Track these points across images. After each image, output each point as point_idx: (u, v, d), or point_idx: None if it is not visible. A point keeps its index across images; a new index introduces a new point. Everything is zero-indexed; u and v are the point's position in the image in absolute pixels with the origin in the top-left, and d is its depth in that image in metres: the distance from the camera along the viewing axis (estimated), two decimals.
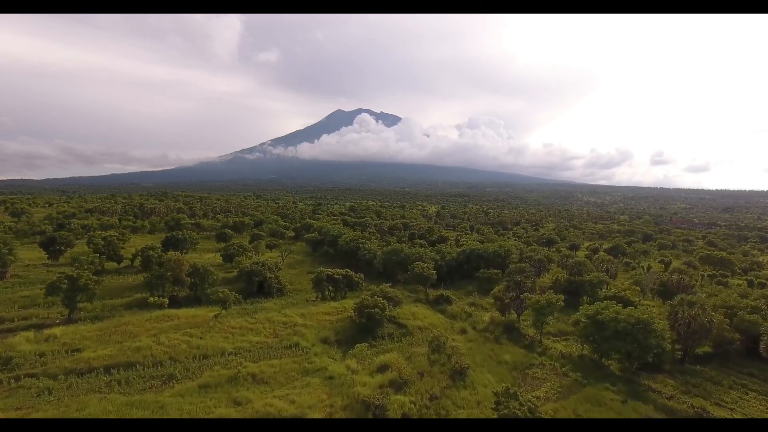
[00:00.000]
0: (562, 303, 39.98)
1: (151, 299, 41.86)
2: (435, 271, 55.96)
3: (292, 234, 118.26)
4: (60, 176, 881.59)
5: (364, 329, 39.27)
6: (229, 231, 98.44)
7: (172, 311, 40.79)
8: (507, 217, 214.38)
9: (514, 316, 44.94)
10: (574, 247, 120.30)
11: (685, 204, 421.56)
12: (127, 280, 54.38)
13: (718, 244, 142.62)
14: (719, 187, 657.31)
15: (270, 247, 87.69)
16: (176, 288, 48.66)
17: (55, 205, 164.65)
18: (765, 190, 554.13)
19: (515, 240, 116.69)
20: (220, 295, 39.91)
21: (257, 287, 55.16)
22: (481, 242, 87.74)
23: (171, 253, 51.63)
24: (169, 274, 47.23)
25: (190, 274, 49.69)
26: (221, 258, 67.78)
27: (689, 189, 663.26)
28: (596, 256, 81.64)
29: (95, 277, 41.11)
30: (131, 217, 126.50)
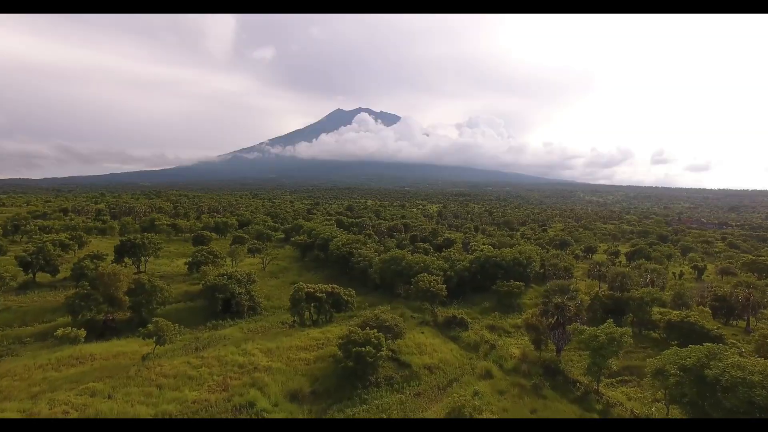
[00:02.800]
0: (631, 340, 28.84)
1: (60, 332, 30.62)
2: (444, 285, 44.89)
3: (282, 236, 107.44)
4: (59, 175, 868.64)
5: (351, 374, 28.21)
6: (208, 233, 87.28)
7: (88, 348, 29.71)
8: (512, 216, 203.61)
9: (551, 348, 34.04)
10: (589, 250, 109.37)
11: (689, 203, 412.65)
12: (57, 297, 43.18)
13: (741, 246, 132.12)
14: (720, 187, 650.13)
15: (253, 251, 76.57)
16: (112, 310, 37.61)
17: (31, 205, 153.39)
18: None
19: (524, 241, 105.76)
20: (150, 327, 28.64)
21: (222, 305, 44.17)
22: (494, 246, 76.60)
23: (106, 265, 40.48)
24: (100, 292, 36.13)
25: (132, 291, 38.64)
26: (186, 267, 56.70)
27: (691, 188, 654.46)
28: (636, 262, 70.49)
29: None
30: (106, 217, 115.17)
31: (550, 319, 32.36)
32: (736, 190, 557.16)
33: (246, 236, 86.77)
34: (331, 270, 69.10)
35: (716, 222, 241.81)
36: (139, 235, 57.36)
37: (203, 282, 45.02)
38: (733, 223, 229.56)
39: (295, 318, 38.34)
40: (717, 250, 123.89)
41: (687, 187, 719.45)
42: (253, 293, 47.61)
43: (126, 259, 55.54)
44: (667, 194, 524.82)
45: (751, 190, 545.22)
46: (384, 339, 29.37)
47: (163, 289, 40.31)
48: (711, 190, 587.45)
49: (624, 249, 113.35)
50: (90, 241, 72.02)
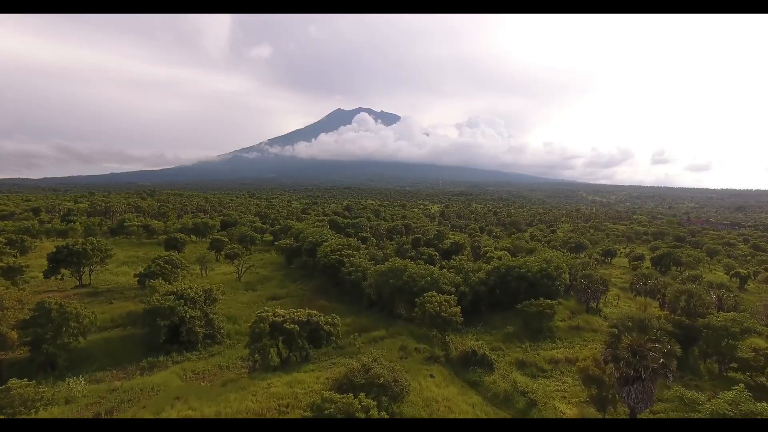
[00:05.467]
0: None
1: None
2: (459, 308, 34.28)
3: (270, 238, 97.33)
4: (59, 175, 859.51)
5: None
6: (183, 236, 76.75)
7: None
8: (518, 216, 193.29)
9: (621, 409, 23.53)
10: (608, 254, 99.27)
11: (694, 203, 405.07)
12: None
13: (766, 249, 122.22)
14: (720, 186, 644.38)
15: (231, 257, 66.12)
16: None
17: (2, 204, 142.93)
18: None
19: (536, 243, 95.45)
20: None
21: (169, 334, 33.60)
22: (510, 252, 66.06)
23: None
24: None
25: (33, 320, 28.09)
26: (137, 280, 46.00)
27: (694, 188, 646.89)
28: (687, 273, 59.79)
29: None
30: (77, 217, 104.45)
31: (623, 370, 21.81)
32: (739, 190, 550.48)
33: (225, 239, 76.20)
34: (320, 280, 58.73)
35: (727, 222, 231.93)
36: (80, 240, 46.79)
37: (145, 303, 34.49)
38: (746, 224, 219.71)
39: (256, 358, 27.69)
40: (741, 252, 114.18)
41: (688, 187, 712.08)
42: (212, 316, 37.08)
43: (63, 270, 45.01)
44: (670, 194, 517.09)
45: (755, 190, 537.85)
46: (376, 409, 18.76)
47: (81, 316, 29.69)
48: (714, 189, 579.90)
49: (645, 252, 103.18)
50: (37, 246, 61.56)
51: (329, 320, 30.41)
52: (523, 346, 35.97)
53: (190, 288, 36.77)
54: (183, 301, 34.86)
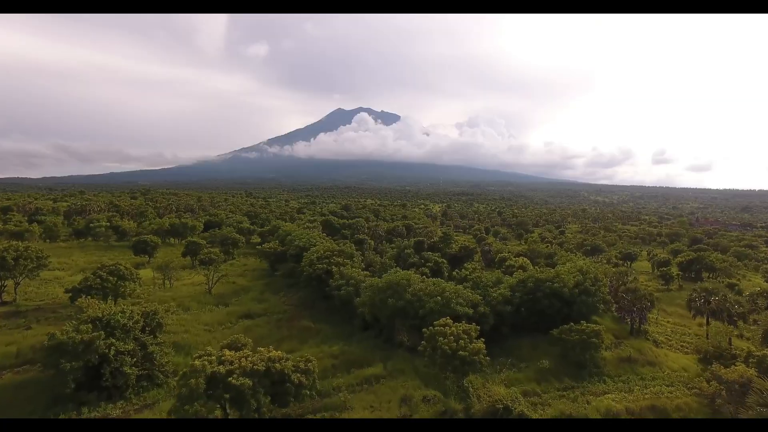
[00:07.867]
0: None
1: None
2: (482, 341, 25.03)
3: (258, 240, 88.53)
4: (58, 174, 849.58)
5: None
6: (154, 238, 67.41)
7: None
8: (524, 217, 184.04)
9: None
10: (628, 257, 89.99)
11: (698, 203, 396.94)
12: None
13: None
14: (721, 186, 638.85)
15: (206, 263, 56.70)
16: None
17: None
18: None
19: (547, 246, 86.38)
20: None
21: (87, 378, 24.40)
22: (529, 259, 56.64)
23: None
24: None
25: None
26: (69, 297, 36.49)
27: (696, 188, 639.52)
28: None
29: None
30: (44, 217, 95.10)
31: None
32: (744, 190, 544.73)
33: (202, 242, 66.93)
34: (306, 291, 49.42)
35: (737, 223, 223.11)
36: (13, 243, 37.51)
37: (47, 337, 25.13)
38: (756, 224, 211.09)
39: None
40: (766, 256, 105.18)
41: (689, 187, 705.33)
42: (152, 348, 27.75)
43: None
44: (673, 194, 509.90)
45: (758, 191, 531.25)
46: None
47: None
48: (716, 190, 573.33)
49: (667, 255, 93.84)
50: None
51: (301, 365, 21.05)
52: (566, 393, 26.60)
53: (123, 312, 27.45)
54: (108, 330, 25.62)
